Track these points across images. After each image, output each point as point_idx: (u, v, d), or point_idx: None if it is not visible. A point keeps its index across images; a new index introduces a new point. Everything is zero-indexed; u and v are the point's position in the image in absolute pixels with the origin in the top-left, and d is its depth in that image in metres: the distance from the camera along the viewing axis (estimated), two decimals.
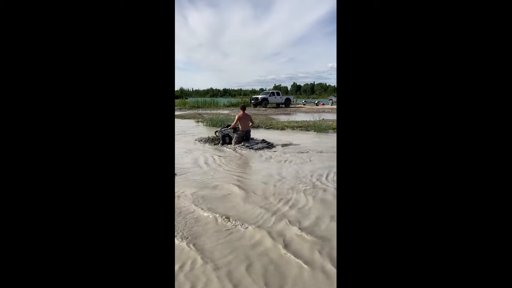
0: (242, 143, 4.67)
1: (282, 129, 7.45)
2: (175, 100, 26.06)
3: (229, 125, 5.28)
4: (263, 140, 4.98)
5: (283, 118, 11.11)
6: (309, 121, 8.93)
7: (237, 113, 5.04)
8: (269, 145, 4.74)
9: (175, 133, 6.32)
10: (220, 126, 5.72)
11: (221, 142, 4.83)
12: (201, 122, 8.87)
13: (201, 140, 5.28)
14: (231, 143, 4.79)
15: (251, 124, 5.07)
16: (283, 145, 4.95)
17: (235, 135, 4.86)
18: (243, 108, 5.07)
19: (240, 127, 4.91)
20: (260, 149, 4.47)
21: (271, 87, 59.39)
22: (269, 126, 7.81)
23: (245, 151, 4.48)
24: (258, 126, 7.86)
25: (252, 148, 4.49)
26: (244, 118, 4.89)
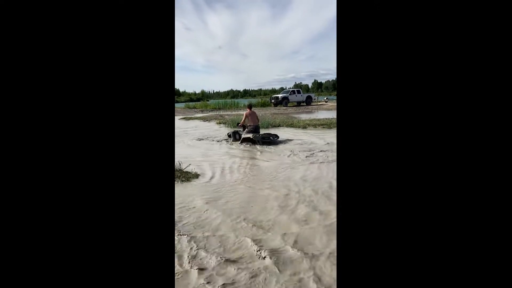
0: (250, 135, 5.29)
1: (304, 127, 7.29)
2: (197, 102, 26.80)
3: (239, 123, 5.99)
4: (267, 133, 5.61)
5: (304, 116, 10.92)
6: (332, 118, 8.68)
7: (254, 113, 5.80)
8: (273, 136, 5.37)
9: (199, 137, 6.45)
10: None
11: (232, 139, 5.60)
12: (223, 123, 8.94)
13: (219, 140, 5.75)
14: (239, 139, 5.44)
15: (257, 120, 5.72)
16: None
17: (246, 130, 5.52)
18: (250, 107, 5.78)
19: (250, 123, 5.56)
20: (266, 142, 5.13)
21: (291, 85, 58.81)
22: (290, 125, 7.69)
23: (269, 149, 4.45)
24: (279, 125, 7.78)
25: (257, 138, 5.13)
26: (252, 115, 5.56)
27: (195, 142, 5.72)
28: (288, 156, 4.12)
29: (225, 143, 5.48)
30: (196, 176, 3.14)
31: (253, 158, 4.16)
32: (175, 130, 7.43)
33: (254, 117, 5.58)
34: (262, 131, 5.74)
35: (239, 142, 5.35)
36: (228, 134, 5.95)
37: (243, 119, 5.68)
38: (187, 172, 3.19)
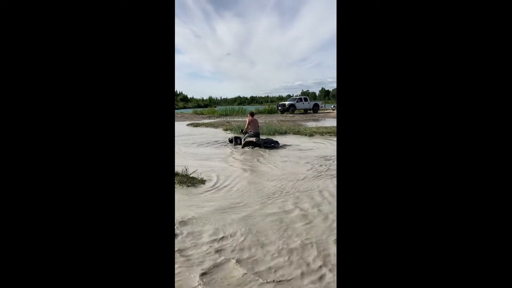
0: (253, 139, 5.68)
1: (311, 135, 7.27)
2: (205, 108, 27.07)
3: (242, 130, 6.32)
4: (269, 139, 6.00)
5: (311, 124, 10.88)
6: None
7: (256, 120, 6.19)
8: (274, 142, 5.66)
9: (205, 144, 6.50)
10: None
11: (233, 143, 5.96)
12: (230, 130, 8.98)
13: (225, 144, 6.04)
14: (240, 144, 5.80)
15: (258, 127, 6.20)
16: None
17: (247, 135, 5.88)
18: (252, 114, 6.22)
19: (252, 128, 5.93)
20: (268, 146, 5.42)
21: (299, 93, 59.12)
22: (297, 132, 7.67)
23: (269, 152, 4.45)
24: (286, 132, 7.77)
25: (260, 142, 5.49)
26: (254, 122, 6.00)
27: (201, 148, 5.77)
28: (284, 161, 4.10)
29: (228, 148, 5.61)
30: (202, 182, 3.15)
31: (258, 164, 4.15)
32: (183, 137, 7.51)
33: (255, 123, 6.00)
34: (265, 137, 6.06)
35: (241, 146, 5.59)
36: (229, 139, 6.25)
37: (246, 125, 6.04)
38: (193, 178, 3.20)
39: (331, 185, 3.02)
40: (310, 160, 4.27)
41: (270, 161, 4.35)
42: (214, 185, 3.04)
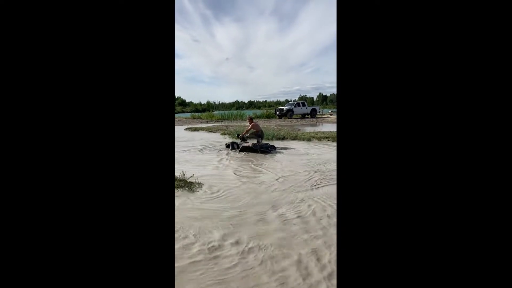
0: (249, 144, 5.75)
1: (309, 140, 7.29)
2: (203, 113, 27.11)
3: (239, 135, 6.50)
4: (265, 143, 6.14)
5: (309, 129, 10.92)
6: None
7: (258, 123, 6.54)
8: (271, 147, 5.79)
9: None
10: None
11: (230, 148, 5.98)
12: (228, 134, 8.98)
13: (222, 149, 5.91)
14: (237, 149, 5.88)
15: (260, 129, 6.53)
16: None
17: (250, 134, 6.18)
18: (252, 119, 6.52)
19: (257, 129, 6.25)
20: (265, 151, 5.46)
21: (296, 98, 59.52)
22: (295, 137, 7.69)
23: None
24: (284, 137, 7.79)
25: (256, 147, 5.52)
26: (256, 125, 6.41)
27: (199, 153, 5.75)
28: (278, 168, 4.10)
29: (225, 153, 5.58)
30: (200, 186, 3.14)
31: (255, 168, 4.15)
32: (180, 142, 7.49)
33: (258, 126, 6.34)
34: (262, 142, 6.20)
35: (238, 151, 5.65)
36: (226, 144, 6.33)
37: (247, 130, 6.26)
38: (190, 183, 3.18)
39: (332, 191, 3.02)
40: (307, 166, 4.27)
41: (268, 166, 4.34)
42: (211, 191, 3.03)
